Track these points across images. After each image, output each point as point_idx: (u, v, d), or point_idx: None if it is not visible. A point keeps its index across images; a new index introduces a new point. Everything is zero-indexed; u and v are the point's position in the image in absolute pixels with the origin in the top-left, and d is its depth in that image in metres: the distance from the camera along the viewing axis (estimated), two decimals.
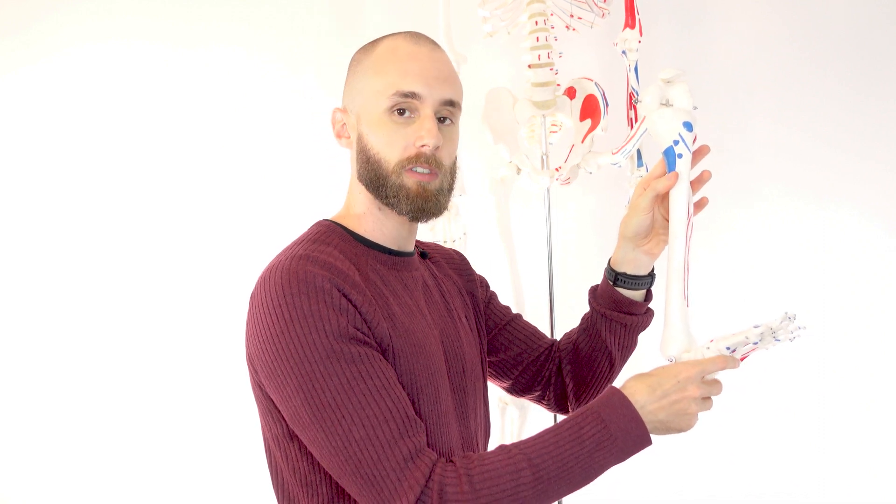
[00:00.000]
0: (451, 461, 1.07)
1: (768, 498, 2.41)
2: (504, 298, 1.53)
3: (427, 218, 1.18)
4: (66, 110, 2.62)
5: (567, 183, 2.14)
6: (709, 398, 1.13)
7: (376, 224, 1.21)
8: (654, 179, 1.25)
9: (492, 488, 1.04)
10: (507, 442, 2.15)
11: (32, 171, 2.64)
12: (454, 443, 1.20)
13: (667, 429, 1.11)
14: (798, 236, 2.40)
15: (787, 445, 2.40)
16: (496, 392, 2.16)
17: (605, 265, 1.35)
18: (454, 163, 1.21)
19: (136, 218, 2.61)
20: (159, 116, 2.60)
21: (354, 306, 1.07)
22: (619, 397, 1.10)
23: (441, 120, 1.18)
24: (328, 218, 1.24)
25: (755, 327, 1.14)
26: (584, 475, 1.07)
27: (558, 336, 2.17)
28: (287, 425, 1.12)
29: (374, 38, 1.24)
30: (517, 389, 1.44)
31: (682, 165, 1.23)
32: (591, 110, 2.08)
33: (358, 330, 1.07)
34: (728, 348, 1.15)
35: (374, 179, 1.17)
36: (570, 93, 2.11)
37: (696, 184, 1.25)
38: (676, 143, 1.23)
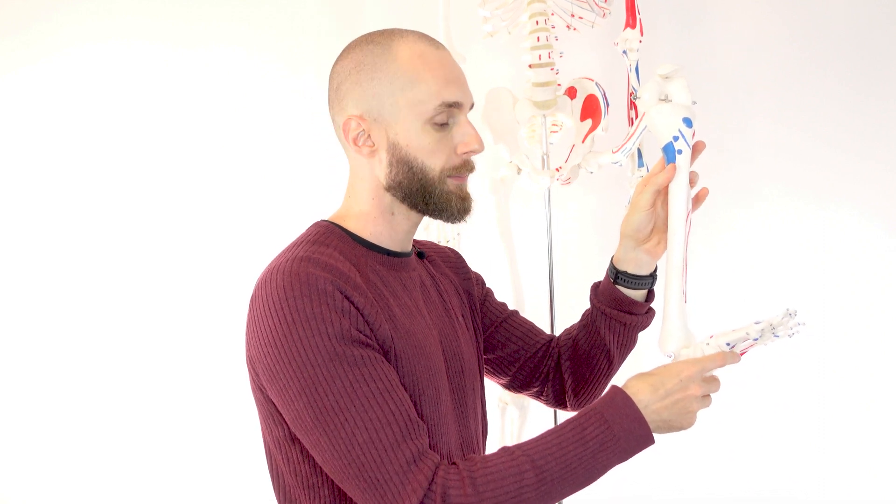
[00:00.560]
0: (454, 463, 1.07)
1: (768, 498, 2.41)
2: (505, 299, 1.53)
3: (468, 216, 1.20)
4: (67, 110, 2.62)
5: (567, 183, 2.14)
6: (708, 395, 1.14)
7: (385, 226, 1.21)
8: (653, 176, 1.25)
9: (495, 490, 1.04)
10: (507, 442, 2.16)
11: (32, 171, 2.64)
12: (454, 443, 1.20)
13: (669, 427, 1.12)
14: (798, 236, 2.40)
15: (787, 445, 2.40)
16: (496, 392, 2.16)
17: (608, 263, 1.35)
18: None
19: (136, 218, 2.61)
20: (159, 116, 2.60)
21: (357, 308, 1.07)
22: (622, 397, 1.10)
23: None
24: (326, 219, 1.23)
25: (756, 323, 1.15)
26: (587, 476, 1.07)
27: (557, 335, 2.17)
28: (288, 428, 1.12)
29: (365, 37, 1.20)
30: (515, 385, 1.44)
31: (682, 161, 1.23)
32: (591, 110, 2.08)
33: (360, 332, 1.06)
34: (728, 344, 1.16)
35: (420, 189, 1.16)
36: (571, 93, 2.11)
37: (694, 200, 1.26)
38: (676, 138, 1.22)
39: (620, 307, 1.33)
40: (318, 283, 1.05)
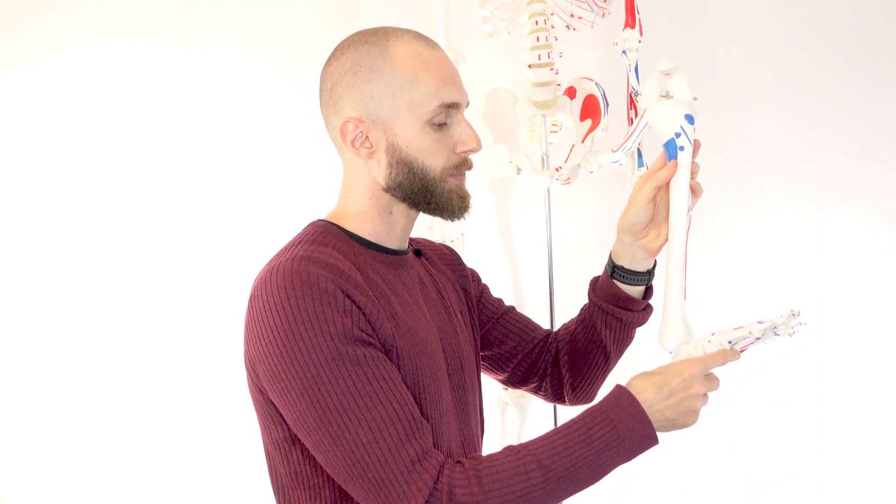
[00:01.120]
0: (459, 462, 1.07)
1: (768, 497, 2.41)
2: (505, 299, 1.53)
3: (468, 214, 1.22)
4: (67, 110, 2.62)
5: (567, 183, 2.14)
6: (706, 394, 1.15)
7: (383, 226, 1.21)
8: (654, 172, 1.25)
9: (501, 490, 1.04)
10: (507, 442, 2.16)
11: (32, 171, 2.64)
12: (454, 441, 1.20)
13: (672, 426, 1.12)
14: (798, 236, 2.40)
15: (787, 445, 2.40)
16: (496, 392, 2.16)
17: (607, 259, 1.35)
18: None
19: (135, 218, 2.61)
20: (159, 116, 2.60)
21: (358, 307, 1.07)
22: (627, 397, 1.10)
23: None
24: (322, 218, 1.23)
25: (759, 323, 1.15)
26: (591, 475, 1.08)
27: None
28: (288, 429, 1.11)
29: (359, 37, 1.20)
30: (513, 381, 1.44)
31: (684, 157, 1.22)
32: (591, 110, 2.08)
33: (362, 331, 1.06)
34: (729, 342, 1.16)
35: (421, 189, 1.17)
36: (571, 93, 2.11)
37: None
38: (678, 135, 1.22)
39: (617, 303, 1.33)
40: (319, 283, 1.05)
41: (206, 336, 2.56)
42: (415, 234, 2.01)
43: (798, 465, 2.40)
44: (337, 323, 1.04)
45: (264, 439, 1.18)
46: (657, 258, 1.33)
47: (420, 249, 1.34)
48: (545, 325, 2.19)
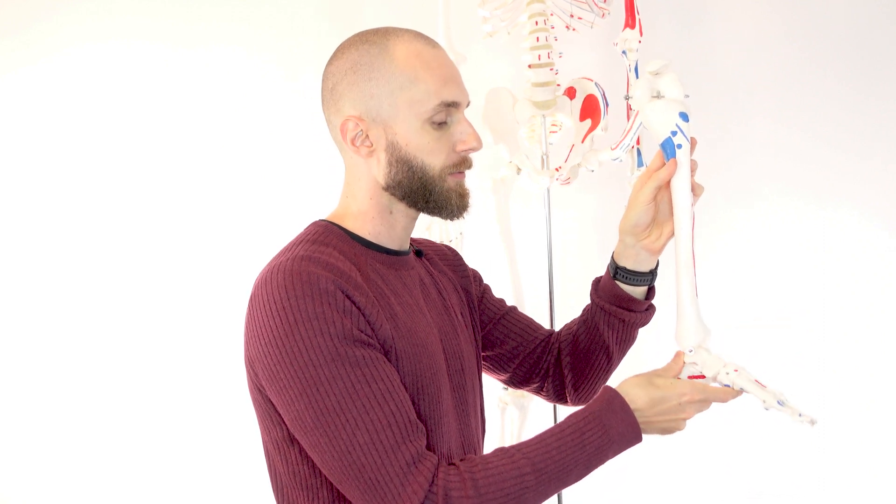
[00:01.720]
0: (454, 464, 1.07)
1: (768, 498, 2.41)
2: (505, 299, 1.53)
3: (467, 213, 1.22)
4: (67, 110, 2.62)
5: (567, 183, 2.14)
6: None
7: (384, 226, 1.21)
8: (653, 172, 1.25)
9: (496, 492, 1.04)
10: (507, 442, 2.16)
11: (32, 171, 2.64)
12: (454, 442, 1.20)
13: (651, 432, 1.17)
14: (798, 236, 2.40)
15: (786, 445, 2.40)
16: (496, 392, 2.16)
17: (609, 260, 1.35)
18: None
19: (135, 218, 2.61)
20: (159, 117, 2.60)
21: (358, 308, 1.07)
22: (620, 403, 1.13)
23: None
24: (323, 218, 1.23)
25: (779, 403, 1.17)
26: (579, 476, 1.11)
27: None
28: (287, 429, 1.11)
29: (359, 37, 1.20)
30: (515, 381, 1.44)
31: (683, 155, 1.22)
32: (591, 110, 2.08)
33: (362, 332, 1.06)
34: (743, 390, 1.18)
35: (420, 188, 1.17)
36: (570, 93, 2.11)
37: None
38: (675, 133, 1.22)
39: (620, 304, 1.33)
40: (319, 283, 1.05)
41: (208, 336, 2.56)
42: (413, 233, 2.01)
43: (797, 465, 2.40)
44: (337, 323, 1.04)
45: (264, 439, 1.18)
46: (659, 258, 1.33)
47: (421, 250, 1.34)
48: (545, 325, 2.19)
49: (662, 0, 2.42)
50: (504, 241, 2.18)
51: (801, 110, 2.38)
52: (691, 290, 1.23)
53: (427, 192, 1.17)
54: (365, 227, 1.20)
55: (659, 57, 1.32)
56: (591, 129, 2.06)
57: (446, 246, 1.44)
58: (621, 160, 2.07)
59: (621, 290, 1.32)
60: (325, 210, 1.27)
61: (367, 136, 1.17)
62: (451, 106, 1.16)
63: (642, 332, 1.40)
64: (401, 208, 1.21)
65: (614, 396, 1.13)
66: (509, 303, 2.10)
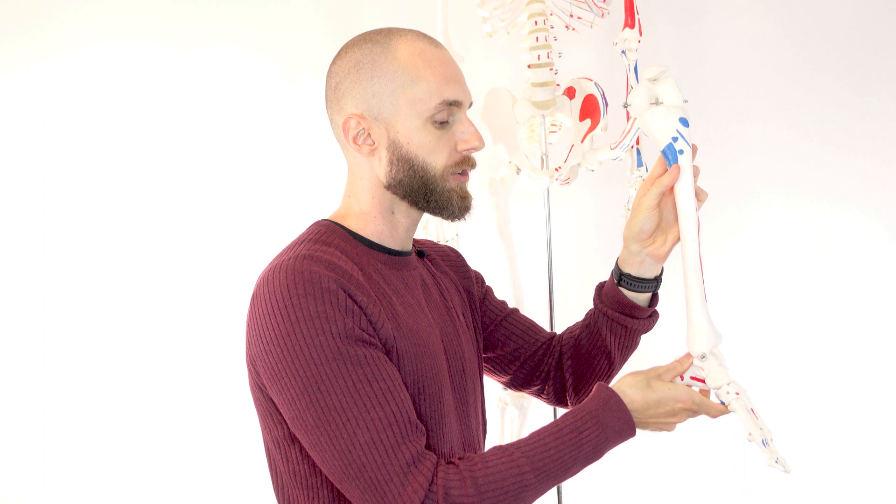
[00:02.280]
0: (453, 463, 1.07)
1: (768, 498, 2.41)
2: (504, 298, 1.53)
3: (468, 215, 1.22)
4: (67, 110, 2.62)
5: (567, 183, 2.14)
6: None
7: (386, 226, 1.21)
8: (656, 179, 1.25)
9: (496, 490, 1.05)
10: (507, 442, 2.16)
11: (33, 170, 2.64)
12: (455, 442, 1.20)
13: (643, 430, 1.19)
14: (798, 236, 2.40)
15: (786, 446, 2.40)
16: (496, 392, 2.16)
17: (612, 265, 1.35)
18: None
19: (136, 218, 2.61)
20: (160, 116, 2.60)
21: (360, 307, 1.07)
22: (617, 402, 1.14)
23: None
24: (326, 218, 1.23)
25: (763, 442, 1.18)
26: (576, 471, 1.12)
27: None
28: (288, 428, 1.11)
29: (363, 36, 1.21)
30: (516, 384, 1.44)
31: (685, 161, 1.22)
32: (590, 110, 2.08)
33: (364, 331, 1.06)
34: (734, 414, 1.20)
35: (421, 187, 1.17)
36: (570, 93, 2.12)
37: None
38: (675, 139, 1.22)
39: (623, 310, 1.32)
40: (322, 282, 1.05)
41: (209, 335, 2.56)
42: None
43: (797, 465, 2.40)
44: (338, 322, 1.04)
45: (265, 438, 1.18)
46: (664, 264, 1.33)
47: (423, 251, 1.34)
48: (544, 325, 2.19)
49: (662, 0, 2.42)
50: (503, 241, 2.18)
51: (800, 110, 2.39)
52: (700, 296, 1.23)
53: (428, 191, 1.17)
54: (367, 227, 1.20)
55: (658, 58, 1.32)
56: (591, 128, 2.07)
57: (449, 247, 1.44)
58: (621, 160, 2.07)
59: (625, 296, 1.32)
60: (324, 210, 1.27)
61: (369, 134, 1.17)
62: (453, 105, 1.16)
63: (646, 337, 1.39)
64: (402, 208, 1.20)
65: (611, 395, 1.14)
66: (509, 303, 2.11)
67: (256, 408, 1.16)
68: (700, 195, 1.26)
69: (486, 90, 2.13)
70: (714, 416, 1.19)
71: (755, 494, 2.41)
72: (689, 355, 1.23)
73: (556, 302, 2.24)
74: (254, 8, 2.58)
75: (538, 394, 1.45)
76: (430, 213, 1.20)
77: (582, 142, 2.08)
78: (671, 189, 1.24)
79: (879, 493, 2.37)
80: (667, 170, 1.24)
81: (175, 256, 2.59)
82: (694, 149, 1.24)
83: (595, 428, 1.11)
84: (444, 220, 2.12)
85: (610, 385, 1.17)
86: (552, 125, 2.17)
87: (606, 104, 2.06)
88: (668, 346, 1.45)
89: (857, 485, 2.38)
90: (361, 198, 1.21)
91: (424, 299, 1.23)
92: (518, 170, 2.13)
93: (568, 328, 1.45)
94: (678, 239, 1.26)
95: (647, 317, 1.34)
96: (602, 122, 2.05)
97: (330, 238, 1.16)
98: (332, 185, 2.42)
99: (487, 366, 1.43)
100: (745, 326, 2.38)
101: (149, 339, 2.60)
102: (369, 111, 1.16)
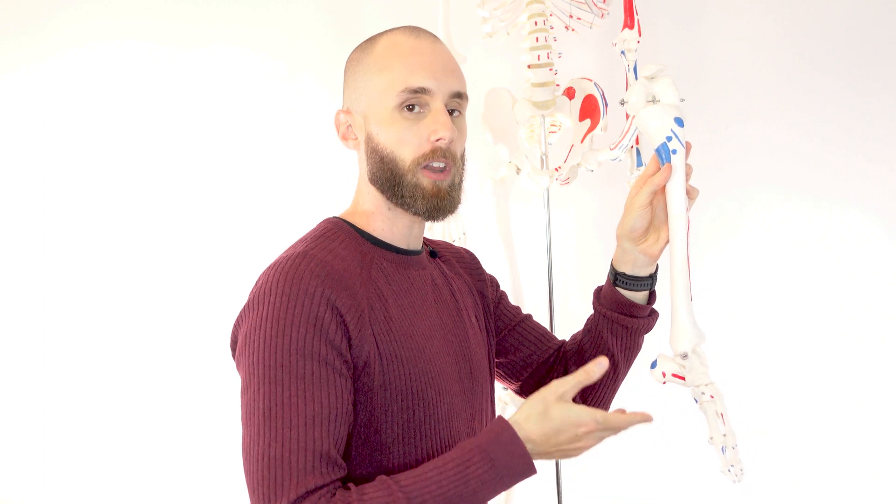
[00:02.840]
0: (333, 494, 1.02)
1: (768, 498, 2.41)
2: (520, 307, 1.53)
3: (443, 216, 1.17)
4: (67, 110, 2.62)
5: (567, 183, 2.14)
6: None
7: (386, 223, 1.20)
8: (648, 177, 1.25)
9: None
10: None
11: (33, 170, 2.64)
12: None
13: (549, 459, 1.09)
14: (798, 236, 2.40)
15: (786, 446, 2.40)
16: (496, 392, 2.16)
17: (609, 267, 1.35)
18: (464, 154, 1.22)
19: (136, 218, 2.61)
20: (160, 116, 2.60)
21: (339, 316, 1.06)
22: (510, 436, 1.05)
23: (450, 112, 1.17)
24: (337, 215, 1.24)
25: (723, 449, 1.25)
26: None
27: (557, 335, 2.17)
28: None
29: (368, 36, 1.24)
30: (525, 391, 1.43)
31: (678, 160, 1.23)
32: (590, 110, 2.08)
33: (329, 346, 1.05)
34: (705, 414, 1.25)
35: (390, 179, 1.15)
36: (570, 93, 2.12)
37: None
38: (669, 139, 1.23)
39: (622, 310, 1.32)
40: (307, 287, 1.05)
41: (208, 335, 2.56)
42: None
43: (797, 465, 2.40)
44: (302, 332, 1.04)
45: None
46: (658, 262, 1.33)
47: (436, 251, 1.33)
48: (544, 325, 2.19)
49: (662, 0, 2.42)
50: (503, 241, 2.18)
51: (800, 110, 2.39)
52: (686, 295, 1.23)
53: (396, 184, 1.15)
54: (372, 224, 1.20)
55: (658, 58, 1.33)
56: (591, 129, 2.07)
57: (465, 249, 1.43)
58: (620, 160, 2.08)
59: (622, 296, 1.32)
60: (329, 208, 1.28)
61: (351, 127, 1.20)
62: (421, 93, 1.13)
63: (649, 341, 1.39)
64: (393, 204, 1.19)
65: (504, 428, 1.05)
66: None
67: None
68: (691, 193, 1.27)
69: (486, 90, 2.13)
70: (625, 428, 1.06)
71: (755, 494, 2.41)
72: (596, 362, 1.11)
73: (556, 302, 2.24)
74: (254, 8, 2.58)
75: None
76: (402, 208, 1.17)
77: (582, 142, 2.08)
78: (664, 188, 1.25)
79: (879, 493, 2.37)
80: (660, 168, 1.24)
81: (175, 257, 2.60)
82: (688, 147, 1.24)
83: (482, 463, 1.03)
84: (450, 220, 2.13)
85: (509, 416, 1.07)
86: (552, 125, 2.17)
87: (606, 104, 2.06)
88: (667, 348, 1.45)
89: (857, 485, 2.38)
90: (363, 195, 1.22)
91: (433, 299, 1.22)
92: (518, 170, 2.13)
93: (572, 336, 1.44)
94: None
95: (646, 315, 1.34)
96: (602, 123, 2.05)
97: (336, 235, 1.16)
98: (333, 184, 2.43)
99: (499, 371, 1.42)
100: (745, 326, 2.38)
101: (148, 339, 2.61)
102: (352, 105, 1.19)
